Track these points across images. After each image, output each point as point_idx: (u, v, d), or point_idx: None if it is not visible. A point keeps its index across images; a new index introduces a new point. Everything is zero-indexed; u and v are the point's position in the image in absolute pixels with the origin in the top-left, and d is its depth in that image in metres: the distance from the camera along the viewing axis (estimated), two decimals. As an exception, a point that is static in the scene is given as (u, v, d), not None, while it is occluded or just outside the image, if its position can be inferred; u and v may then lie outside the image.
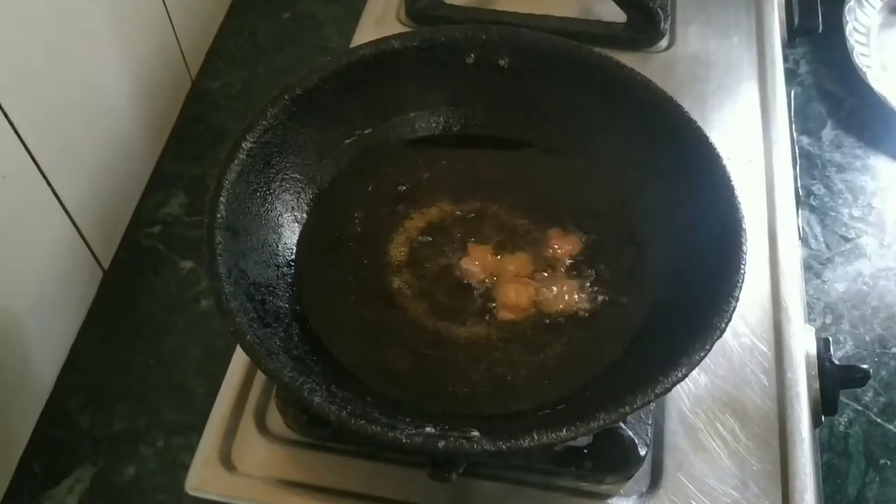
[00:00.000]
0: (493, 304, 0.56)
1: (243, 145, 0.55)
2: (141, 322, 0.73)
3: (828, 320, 0.74)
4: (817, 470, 0.55)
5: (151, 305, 0.74)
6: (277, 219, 0.58)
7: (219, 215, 0.52)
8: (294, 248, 0.58)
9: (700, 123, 0.56)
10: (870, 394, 0.70)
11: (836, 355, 0.64)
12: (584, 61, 0.60)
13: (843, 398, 0.63)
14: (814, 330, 0.62)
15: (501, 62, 0.62)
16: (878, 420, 0.69)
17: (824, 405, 0.58)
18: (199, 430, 0.56)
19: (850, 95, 0.91)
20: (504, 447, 0.43)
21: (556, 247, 0.58)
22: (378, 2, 0.83)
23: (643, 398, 0.45)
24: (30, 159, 0.61)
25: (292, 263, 0.58)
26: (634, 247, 0.58)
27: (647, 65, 0.66)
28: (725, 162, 0.54)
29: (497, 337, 0.54)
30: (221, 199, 0.52)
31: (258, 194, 0.56)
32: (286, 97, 0.57)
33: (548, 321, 0.55)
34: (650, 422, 0.54)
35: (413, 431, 0.45)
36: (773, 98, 0.74)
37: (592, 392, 0.52)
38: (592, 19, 0.79)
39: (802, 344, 0.60)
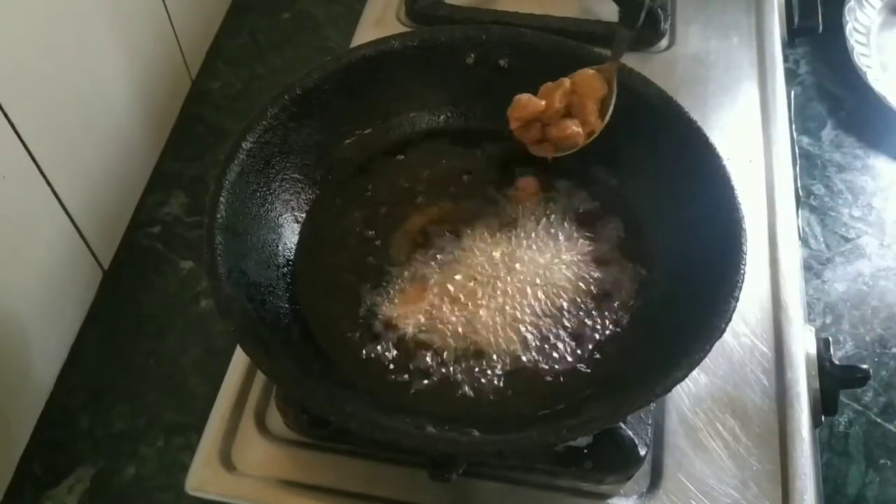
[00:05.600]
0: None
1: (243, 145, 0.55)
2: (141, 322, 0.73)
3: (828, 320, 0.74)
4: (817, 470, 0.55)
5: (151, 305, 0.74)
6: (277, 219, 0.58)
7: (219, 215, 0.52)
8: (294, 248, 0.58)
9: (700, 123, 0.56)
10: (870, 394, 0.70)
11: (836, 355, 0.64)
12: (584, 61, 0.60)
13: (843, 398, 0.63)
14: (814, 330, 0.62)
15: (501, 62, 0.62)
16: (878, 420, 0.69)
17: (824, 405, 0.58)
18: (199, 430, 0.56)
19: (850, 95, 0.91)
20: (504, 447, 0.44)
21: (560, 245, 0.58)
22: (378, 2, 0.83)
23: (643, 398, 0.45)
24: (30, 159, 0.61)
25: (292, 263, 0.58)
26: (635, 247, 0.58)
27: (647, 65, 0.65)
28: (725, 162, 0.54)
29: (496, 338, 0.54)
30: (221, 199, 0.52)
31: (258, 194, 0.56)
32: (286, 97, 0.57)
33: (549, 322, 0.55)
34: (650, 422, 0.54)
35: (413, 431, 0.45)
36: (773, 98, 0.74)
37: (592, 392, 0.52)
38: (592, 19, 0.79)
39: (802, 344, 0.60)
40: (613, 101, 0.59)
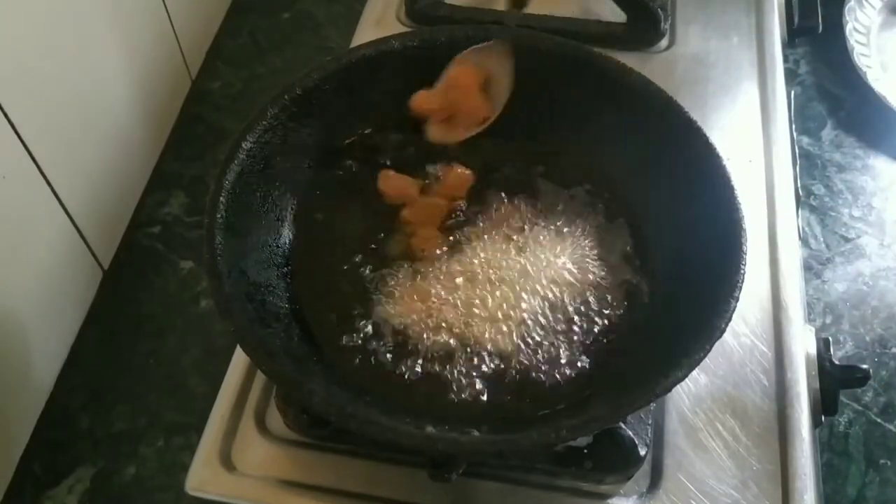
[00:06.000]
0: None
1: (243, 145, 0.55)
2: (141, 322, 0.73)
3: (828, 320, 0.74)
4: (817, 470, 0.55)
5: (151, 305, 0.74)
6: (277, 219, 0.58)
7: (219, 215, 0.52)
8: (294, 248, 0.58)
9: (700, 123, 0.56)
10: (870, 394, 0.70)
11: (836, 355, 0.64)
12: (585, 62, 0.60)
13: (843, 398, 0.63)
14: (814, 330, 0.62)
15: (501, 62, 0.62)
16: (878, 420, 0.69)
17: (824, 405, 0.58)
18: (199, 430, 0.56)
19: (850, 95, 0.91)
20: (503, 447, 0.44)
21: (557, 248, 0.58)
22: (378, 2, 0.83)
23: (643, 398, 0.45)
24: (30, 159, 0.61)
25: (292, 263, 0.58)
26: (634, 247, 0.58)
27: (647, 65, 0.65)
28: (725, 162, 0.54)
29: (496, 338, 0.54)
30: (221, 199, 0.52)
31: (258, 194, 0.56)
32: (286, 97, 0.57)
33: (549, 322, 0.55)
34: (650, 422, 0.54)
35: (413, 431, 0.45)
36: (773, 98, 0.74)
37: (592, 392, 0.52)
38: (592, 19, 0.79)
39: (802, 344, 0.60)
40: (510, 81, 0.60)
